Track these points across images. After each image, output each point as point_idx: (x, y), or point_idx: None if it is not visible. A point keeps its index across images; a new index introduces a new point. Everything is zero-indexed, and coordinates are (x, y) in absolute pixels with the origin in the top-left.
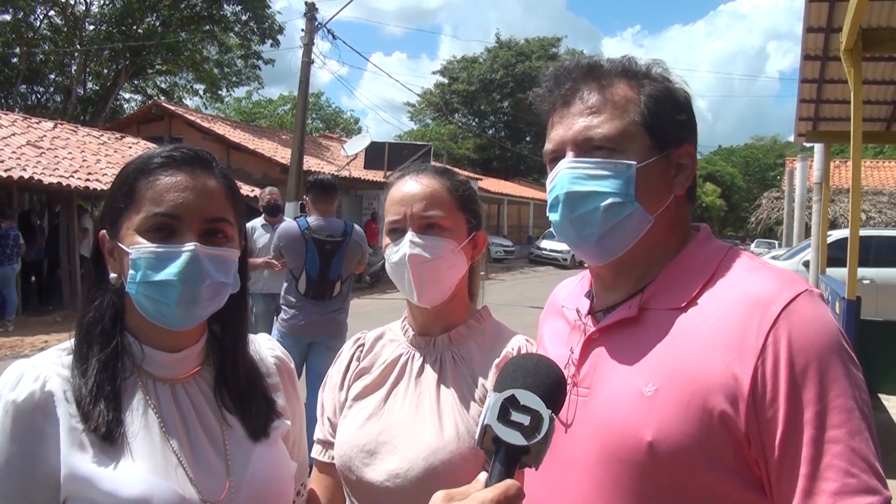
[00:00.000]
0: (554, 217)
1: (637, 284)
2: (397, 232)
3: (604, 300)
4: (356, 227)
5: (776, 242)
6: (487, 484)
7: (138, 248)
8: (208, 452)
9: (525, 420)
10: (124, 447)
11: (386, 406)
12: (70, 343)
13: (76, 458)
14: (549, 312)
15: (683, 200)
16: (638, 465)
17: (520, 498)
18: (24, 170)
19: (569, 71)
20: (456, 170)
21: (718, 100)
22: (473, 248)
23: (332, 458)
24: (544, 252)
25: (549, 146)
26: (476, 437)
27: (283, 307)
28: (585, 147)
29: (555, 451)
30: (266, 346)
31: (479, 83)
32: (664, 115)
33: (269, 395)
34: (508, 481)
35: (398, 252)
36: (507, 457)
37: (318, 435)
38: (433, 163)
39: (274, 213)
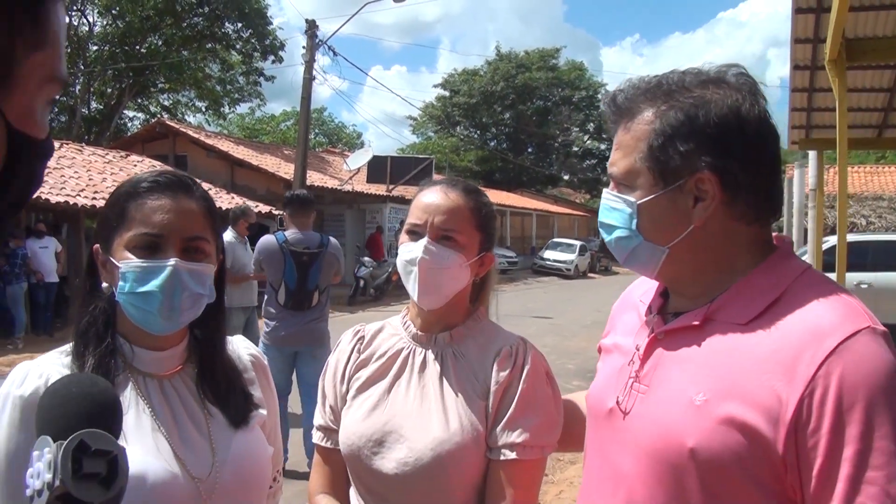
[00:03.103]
0: None
1: (708, 295)
2: (415, 234)
3: (676, 304)
4: (332, 239)
5: None
6: None
7: (127, 262)
8: (194, 437)
9: (101, 468)
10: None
11: (390, 397)
12: (69, 346)
13: None
14: (625, 305)
15: (739, 222)
16: (678, 468)
17: None
18: None
19: (610, 100)
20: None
21: None
22: (480, 265)
23: (334, 445)
24: (547, 262)
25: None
26: (29, 495)
27: (265, 320)
28: (614, 180)
29: (615, 432)
30: (242, 346)
31: (480, 95)
32: (670, 148)
33: (246, 389)
34: None
35: (411, 252)
36: None
37: (318, 421)
38: (452, 176)
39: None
